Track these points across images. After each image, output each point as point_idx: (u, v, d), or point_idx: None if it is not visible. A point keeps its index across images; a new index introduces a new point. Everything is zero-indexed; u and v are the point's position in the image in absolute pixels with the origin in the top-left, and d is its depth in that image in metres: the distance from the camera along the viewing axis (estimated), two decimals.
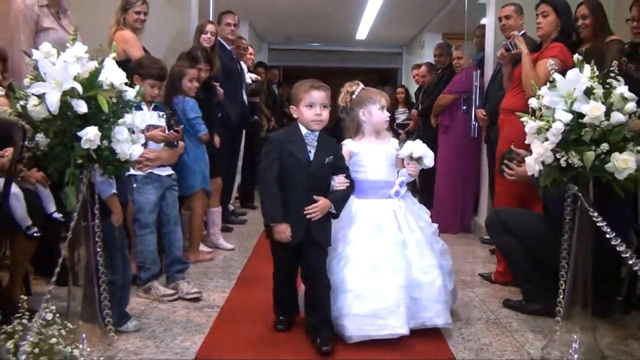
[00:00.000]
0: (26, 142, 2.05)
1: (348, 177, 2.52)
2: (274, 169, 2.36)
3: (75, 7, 3.68)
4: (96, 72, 1.97)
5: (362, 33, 9.37)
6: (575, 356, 2.22)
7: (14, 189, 2.48)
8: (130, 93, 2.09)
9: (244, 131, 5.40)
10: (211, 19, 4.90)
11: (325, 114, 2.43)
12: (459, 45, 5.27)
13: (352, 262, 2.48)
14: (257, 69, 6.43)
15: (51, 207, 2.67)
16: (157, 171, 3.07)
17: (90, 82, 1.96)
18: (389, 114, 2.71)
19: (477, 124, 4.63)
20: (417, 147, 2.62)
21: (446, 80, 5.26)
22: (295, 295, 2.61)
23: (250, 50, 6.06)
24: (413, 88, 7.46)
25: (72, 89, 1.89)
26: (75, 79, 1.90)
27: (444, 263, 2.66)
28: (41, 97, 1.90)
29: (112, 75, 2.03)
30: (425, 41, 8.54)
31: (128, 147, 2.06)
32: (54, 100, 1.88)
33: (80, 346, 1.86)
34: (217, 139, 4.11)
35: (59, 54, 1.96)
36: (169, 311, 2.79)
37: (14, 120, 2.06)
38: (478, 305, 2.98)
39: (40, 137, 1.94)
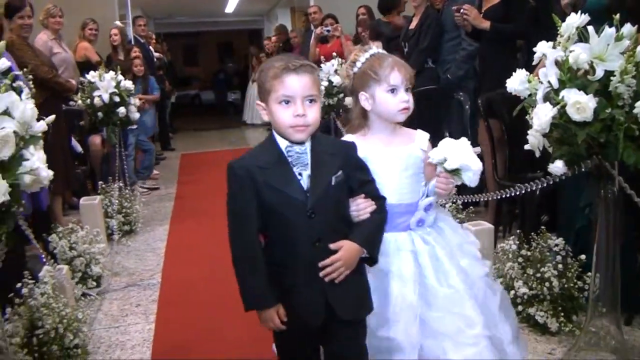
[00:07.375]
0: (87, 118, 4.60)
1: (371, 193, 1.58)
2: (247, 222, 1.47)
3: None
4: (119, 83, 4.54)
5: (230, 8, 11.92)
6: None
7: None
8: (132, 89, 4.69)
9: None
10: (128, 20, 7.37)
11: (313, 114, 1.47)
12: (294, 29, 8.08)
13: None
14: (157, 45, 8.81)
15: (79, 148, 5.24)
16: None
17: (118, 87, 4.52)
18: (408, 99, 1.71)
19: None
20: (456, 154, 1.63)
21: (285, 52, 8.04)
22: None
23: (153, 36, 8.50)
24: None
25: (114, 92, 4.47)
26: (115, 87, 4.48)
27: (500, 324, 1.72)
28: (100, 96, 4.45)
29: (125, 83, 4.60)
30: (278, 14, 11.26)
31: (133, 114, 4.67)
32: (106, 97, 4.45)
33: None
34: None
35: (101, 77, 4.50)
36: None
37: (84, 108, 4.58)
38: None
39: (100, 114, 4.50)
